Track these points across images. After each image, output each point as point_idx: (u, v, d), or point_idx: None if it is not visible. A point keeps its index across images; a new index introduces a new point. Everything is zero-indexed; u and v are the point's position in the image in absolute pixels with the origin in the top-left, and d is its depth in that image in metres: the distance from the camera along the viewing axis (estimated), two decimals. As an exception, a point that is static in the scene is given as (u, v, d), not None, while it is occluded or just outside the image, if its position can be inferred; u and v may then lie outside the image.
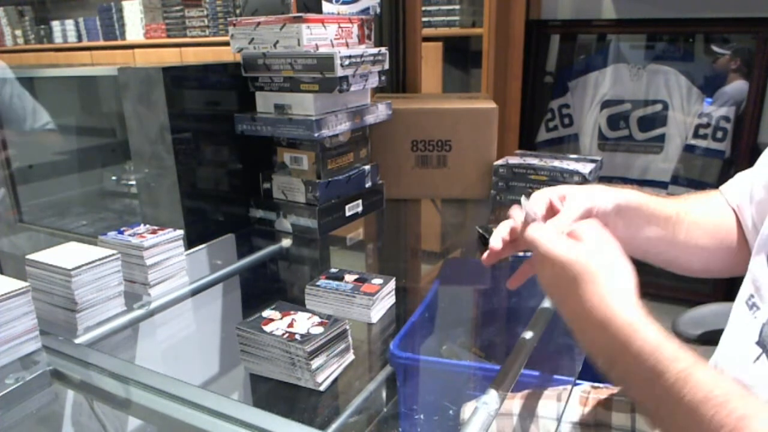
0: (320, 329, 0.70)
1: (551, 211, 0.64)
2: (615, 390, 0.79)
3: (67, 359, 0.70)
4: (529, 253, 0.61)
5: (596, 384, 0.81)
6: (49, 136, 1.61)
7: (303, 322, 0.72)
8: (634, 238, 0.68)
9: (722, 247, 0.70)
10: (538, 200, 0.64)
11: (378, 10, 1.24)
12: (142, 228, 0.94)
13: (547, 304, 0.82)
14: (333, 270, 0.92)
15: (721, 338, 0.60)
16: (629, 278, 0.51)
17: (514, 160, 1.36)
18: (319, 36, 1.09)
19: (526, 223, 0.60)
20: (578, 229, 0.55)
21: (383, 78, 1.23)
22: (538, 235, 0.56)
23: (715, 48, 2.27)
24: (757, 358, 0.46)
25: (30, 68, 1.79)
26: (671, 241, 0.70)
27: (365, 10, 1.21)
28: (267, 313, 0.75)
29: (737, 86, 2.21)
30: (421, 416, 0.84)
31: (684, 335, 0.94)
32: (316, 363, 0.68)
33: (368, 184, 1.30)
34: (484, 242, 1.11)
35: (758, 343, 0.47)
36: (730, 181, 0.74)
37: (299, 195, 1.19)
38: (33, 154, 1.55)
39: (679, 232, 0.69)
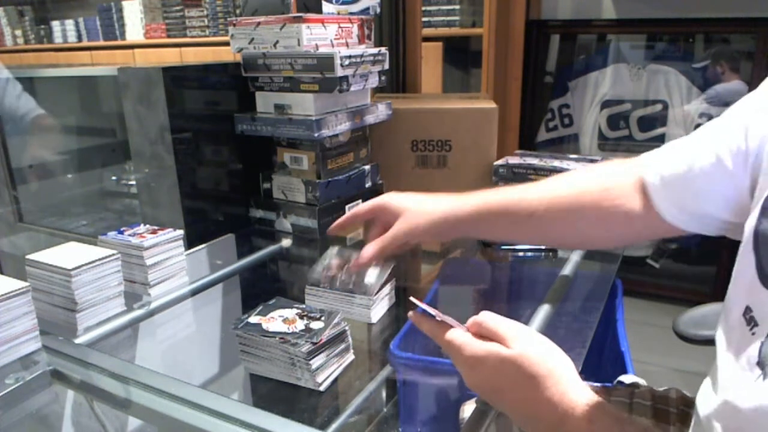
0: (320, 324, 0.70)
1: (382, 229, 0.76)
2: (613, 390, 0.79)
3: (67, 359, 0.70)
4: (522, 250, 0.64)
5: (594, 384, 0.81)
6: (49, 135, 1.61)
7: (300, 320, 0.72)
8: (504, 237, 0.72)
9: (614, 216, 0.64)
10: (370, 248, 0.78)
11: (378, 10, 1.24)
12: (142, 228, 0.94)
13: (547, 303, 0.82)
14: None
15: (717, 352, 0.60)
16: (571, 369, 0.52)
17: (514, 160, 1.36)
18: (319, 36, 1.09)
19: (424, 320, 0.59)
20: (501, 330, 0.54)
21: (383, 78, 1.23)
22: (462, 340, 0.55)
23: (695, 65, 2.28)
24: (756, 379, 0.46)
25: (30, 68, 1.79)
26: (543, 235, 0.72)
27: (365, 10, 1.21)
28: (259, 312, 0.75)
29: (729, 86, 2.22)
30: (421, 416, 0.84)
31: (684, 335, 0.94)
32: (315, 363, 0.68)
33: (368, 184, 1.30)
34: (484, 242, 1.11)
35: (759, 363, 0.46)
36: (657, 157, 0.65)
37: (299, 195, 1.19)
38: (33, 154, 1.55)
39: (547, 225, 0.69)
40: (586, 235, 0.70)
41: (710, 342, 0.83)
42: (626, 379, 0.83)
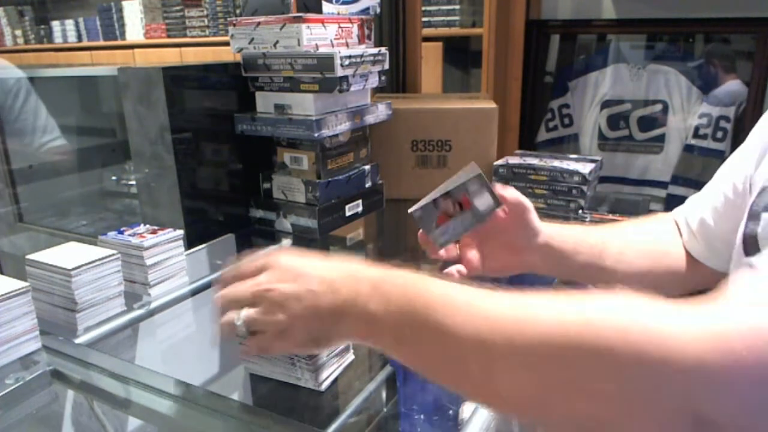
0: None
1: None
2: None
3: (67, 359, 0.70)
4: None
5: None
6: (58, 165, 1.61)
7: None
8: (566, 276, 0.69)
9: (662, 267, 0.68)
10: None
11: (378, 10, 1.24)
12: (142, 228, 0.94)
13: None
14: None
15: None
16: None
17: (514, 160, 1.36)
18: (319, 36, 1.09)
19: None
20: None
21: (383, 78, 1.23)
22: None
23: (695, 65, 2.28)
24: None
25: (30, 68, 1.79)
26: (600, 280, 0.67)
27: (365, 10, 1.21)
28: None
29: (728, 86, 2.21)
30: (421, 416, 0.84)
31: None
32: (315, 363, 0.67)
33: (368, 184, 1.30)
34: None
35: None
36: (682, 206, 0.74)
37: (299, 195, 1.19)
38: (33, 155, 1.55)
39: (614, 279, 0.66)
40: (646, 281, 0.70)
41: None
42: None
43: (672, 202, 1.36)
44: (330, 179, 1.19)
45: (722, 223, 0.63)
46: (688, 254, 0.68)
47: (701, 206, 0.67)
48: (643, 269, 0.67)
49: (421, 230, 0.67)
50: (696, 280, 0.67)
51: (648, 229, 0.72)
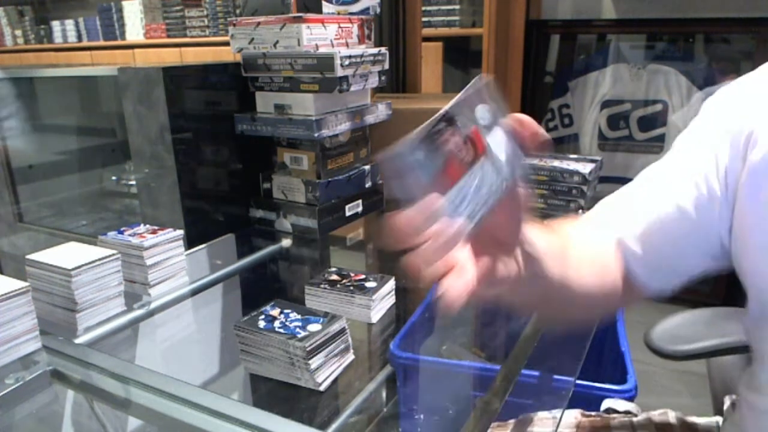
0: (318, 327, 0.70)
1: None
2: (607, 418, 0.77)
3: (67, 359, 0.70)
4: None
5: (587, 412, 0.79)
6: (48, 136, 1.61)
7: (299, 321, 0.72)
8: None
9: (607, 285, 0.57)
10: None
11: (378, 10, 1.24)
12: (142, 228, 0.94)
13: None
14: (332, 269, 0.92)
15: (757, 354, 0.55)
16: None
17: (514, 160, 1.36)
18: (319, 36, 1.09)
19: None
20: None
21: (383, 78, 1.23)
22: None
23: (695, 65, 2.27)
24: None
25: (30, 68, 1.79)
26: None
27: (365, 10, 1.21)
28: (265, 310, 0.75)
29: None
30: (421, 416, 0.84)
31: (662, 352, 0.84)
32: (314, 362, 0.67)
33: (368, 184, 1.30)
34: None
35: None
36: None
37: (299, 195, 1.19)
38: (33, 154, 1.55)
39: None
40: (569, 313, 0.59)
41: (689, 357, 0.81)
42: (617, 405, 0.80)
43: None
44: (330, 179, 1.19)
45: (683, 246, 0.54)
46: (628, 274, 0.57)
47: (643, 222, 0.56)
48: (593, 287, 0.56)
49: (403, 219, 0.35)
50: (628, 299, 0.58)
51: (591, 237, 0.59)
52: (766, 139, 0.48)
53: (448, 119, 0.35)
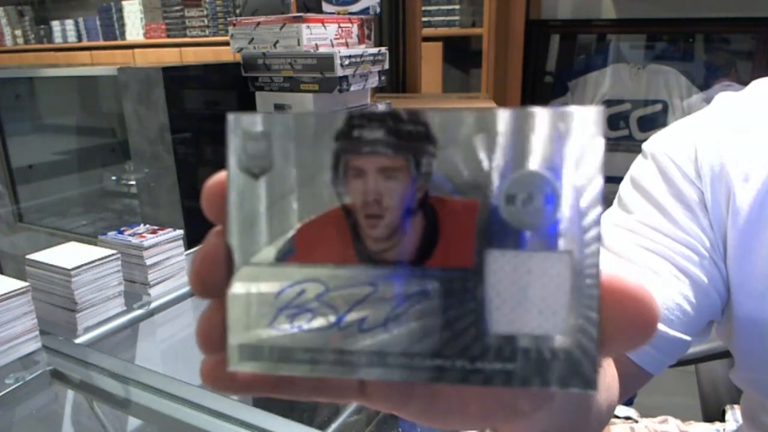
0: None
1: None
2: (610, 425, 0.77)
3: (67, 359, 0.70)
4: None
5: None
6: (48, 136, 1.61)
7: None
8: None
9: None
10: None
11: (378, 10, 1.24)
12: (142, 228, 0.94)
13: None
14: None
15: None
16: None
17: (514, 160, 1.36)
18: (319, 36, 1.09)
19: None
20: None
21: (383, 78, 1.23)
22: None
23: (695, 65, 2.27)
24: None
25: (30, 68, 1.79)
26: None
27: (365, 10, 1.21)
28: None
29: (728, 86, 2.21)
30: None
31: None
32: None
33: (368, 184, 1.30)
34: None
35: None
36: None
37: (299, 195, 1.19)
38: (33, 154, 1.55)
39: None
40: None
41: (681, 364, 0.81)
42: (617, 410, 0.79)
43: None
44: (330, 179, 1.19)
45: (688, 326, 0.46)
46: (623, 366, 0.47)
47: None
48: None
49: None
50: (623, 393, 0.46)
51: None
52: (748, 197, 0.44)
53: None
